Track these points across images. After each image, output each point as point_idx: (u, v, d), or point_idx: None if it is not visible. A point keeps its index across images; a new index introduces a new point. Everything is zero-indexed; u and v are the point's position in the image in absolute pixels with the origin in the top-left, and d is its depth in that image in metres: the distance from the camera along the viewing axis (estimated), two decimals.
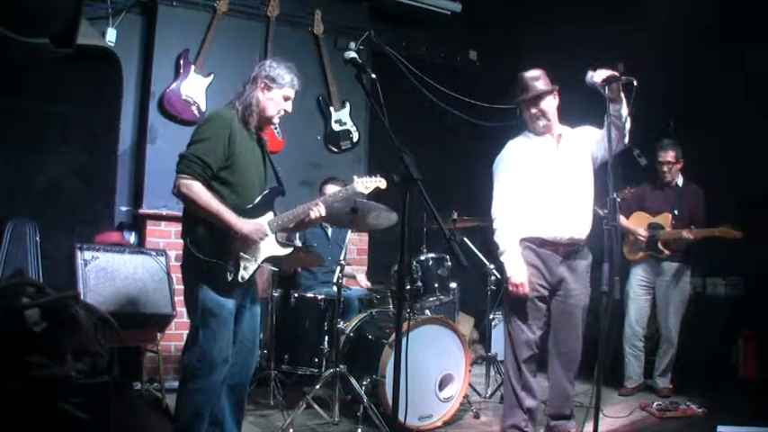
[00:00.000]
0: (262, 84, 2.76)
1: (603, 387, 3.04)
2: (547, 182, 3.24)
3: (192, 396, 2.64)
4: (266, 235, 2.73)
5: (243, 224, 2.63)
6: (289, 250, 2.89)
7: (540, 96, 3.24)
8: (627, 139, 3.17)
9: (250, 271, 2.71)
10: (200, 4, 4.79)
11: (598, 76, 2.96)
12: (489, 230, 3.49)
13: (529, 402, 3.25)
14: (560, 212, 3.21)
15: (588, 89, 3.05)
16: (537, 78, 3.26)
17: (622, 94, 3.00)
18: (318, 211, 2.90)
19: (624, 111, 3.05)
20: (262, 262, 2.77)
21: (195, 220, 2.63)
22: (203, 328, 2.63)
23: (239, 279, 2.67)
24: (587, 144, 3.30)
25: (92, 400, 2.43)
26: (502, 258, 3.24)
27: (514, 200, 3.27)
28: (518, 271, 3.18)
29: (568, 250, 3.25)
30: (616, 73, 2.92)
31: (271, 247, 2.80)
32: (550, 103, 3.27)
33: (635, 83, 2.84)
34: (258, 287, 2.98)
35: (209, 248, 2.60)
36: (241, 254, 2.68)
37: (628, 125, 3.12)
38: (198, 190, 2.58)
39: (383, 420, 3.44)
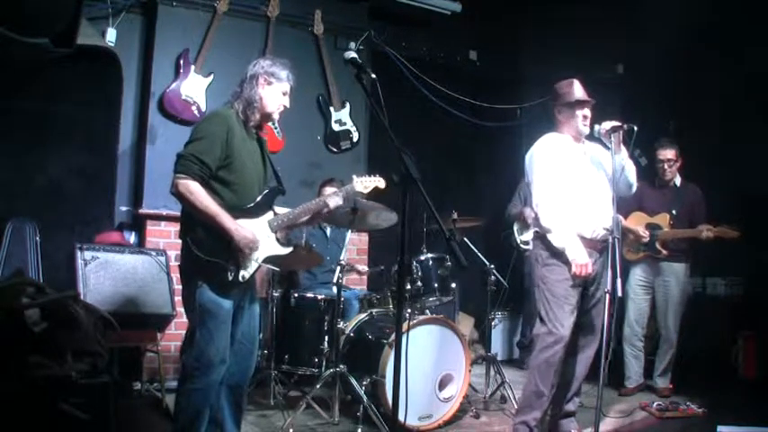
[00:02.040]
0: (262, 80, 2.77)
1: (604, 387, 3.04)
2: (584, 181, 3.31)
3: (190, 396, 2.64)
4: (257, 248, 2.70)
5: (238, 233, 2.60)
6: (289, 249, 2.88)
7: (589, 103, 3.38)
8: (634, 188, 3.49)
9: (250, 271, 2.71)
10: (200, 4, 4.79)
11: (604, 127, 3.26)
12: (504, 221, 3.34)
13: (547, 402, 3.26)
14: (596, 210, 3.28)
15: (597, 139, 3.37)
16: (581, 88, 3.41)
17: (623, 147, 3.30)
18: (335, 201, 2.95)
19: (624, 162, 3.30)
20: (262, 261, 2.77)
21: (195, 220, 2.62)
22: (201, 327, 2.62)
23: (239, 279, 2.66)
24: (608, 165, 3.40)
25: (92, 400, 2.43)
26: (559, 243, 3.22)
27: (557, 188, 3.27)
28: (580, 252, 3.17)
29: (602, 247, 3.30)
30: (619, 123, 3.23)
31: (271, 246, 2.79)
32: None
33: (635, 129, 3.17)
34: (256, 286, 2.98)
35: (210, 247, 2.59)
36: (241, 254, 2.66)
37: (632, 176, 3.40)
38: (195, 190, 2.57)
39: (383, 420, 3.44)
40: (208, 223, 2.58)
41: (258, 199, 2.77)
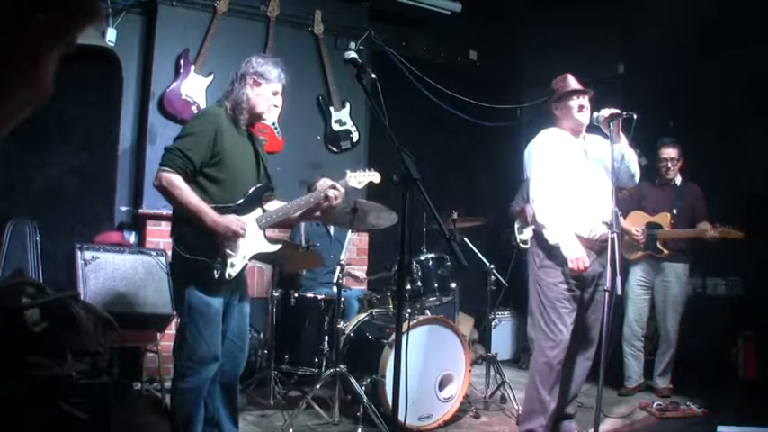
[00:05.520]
0: (251, 80, 2.75)
1: (604, 387, 3.04)
2: (583, 178, 3.27)
3: (183, 395, 2.65)
4: (242, 231, 2.65)
5: (218, 225, 2.57)
6: (277, 247, 2.86)
7: (585, 91, 3.34)
8: (637, 178, 3.41)
9: (237, 268, 2.69)
10: (200, 4, 4.79)
11: (602, 114, 3.21)
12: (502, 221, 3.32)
13: (552, 406, 3.22)
14: (595, 209, 3.24)
15: (596, 128, 3.31)
16: (575, 80, 3.39)
17: (622, 135, 3.23)
18: (335, 194, 2.84)
19: (624, 150, 3.23)
20: (249, 259, 2.75)
21: (181, 219, 2.62)
22: (190, 326, 2.62)
23: (226, 276, 2.64)
24: (607, 159, 3.35)
25: (92, 400, 2.43)
26: (554, 239, 3.17)
27: (554, 185, 3.23)
28: (575, 248, 3.11)
29: (601, 247, 3.26)
30: (617, 111, 3.18)
31: (258, 243, 2.77)
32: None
33: (635, 116, 3.11)
34: (256, 285, 2.97)
35: (195, 247, 2.58)
36: (227, 251, 2.65)
37: (633, 165, 3.33)
38: (178, 183, 2.55)
39: (383, 420, 3.44)
40: (190, 220, 2.57)
41: (245, 196, 2.74)
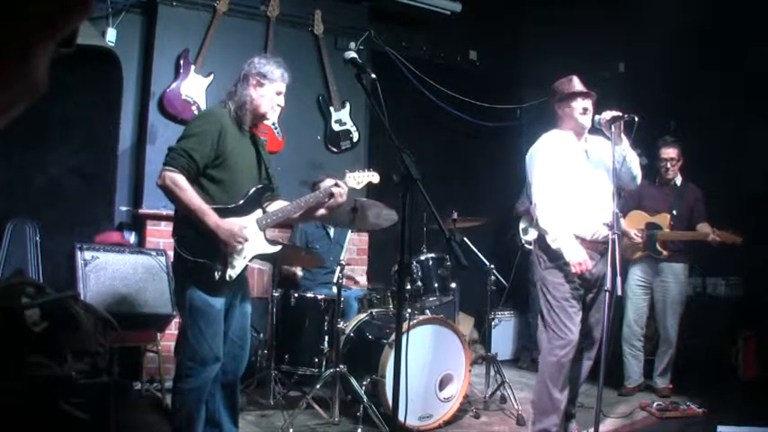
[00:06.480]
0: (254, 81, 2.75)
1: (604, 387, 3.05)
2: (584, 180, 3.29)
3: (185, 395, 2.65)
4: (244, 240, 2.65)
5: (219, 229, 2.57)
6: (277, 248, 2.86)
7: (589, 94, 3.36)
8: (639, 180, 3.43)
9: (238, 269, 2.69)
10: (200, 4, 4.79)
11: (604, 117, 3.23)
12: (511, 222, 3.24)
13: (563, 405, 3.24)
14: (597, 211, 3.26)
15: (597, 130, 3.33)
16: (580, 82, 3.40)
17: (624, 137, 3.24)
18: (340, 192, 2.82)
19: (625, 153, 3.25)
20: (250, 260, 2.75)
21: (183, 220, 2.62)
22: (192, 327, 2.62)
23: (227, 278, 2.64)
24: (609, 160, 3.37)
25: (92, 400, 2.43)
26: (555, 244, 3.21)
27: (556, 189, 3.25)
28: (577, 252, 3.15)
29: (604, 248, 3.27)
30: (619, 113, 3.20)
31: (259, 244, 2.77)
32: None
33: (636, 119, 3.13)
34: (256, 285, 2.97)
35: (197, 248, 2.58)
36: (228, 253, 2.64)
37: (635, 167, 3.35)
38: (181, 183, 2.55)
39: (383, 420, 3.44)
40: (192, 220, 2.57)
41: (245, 197, 2.73)
